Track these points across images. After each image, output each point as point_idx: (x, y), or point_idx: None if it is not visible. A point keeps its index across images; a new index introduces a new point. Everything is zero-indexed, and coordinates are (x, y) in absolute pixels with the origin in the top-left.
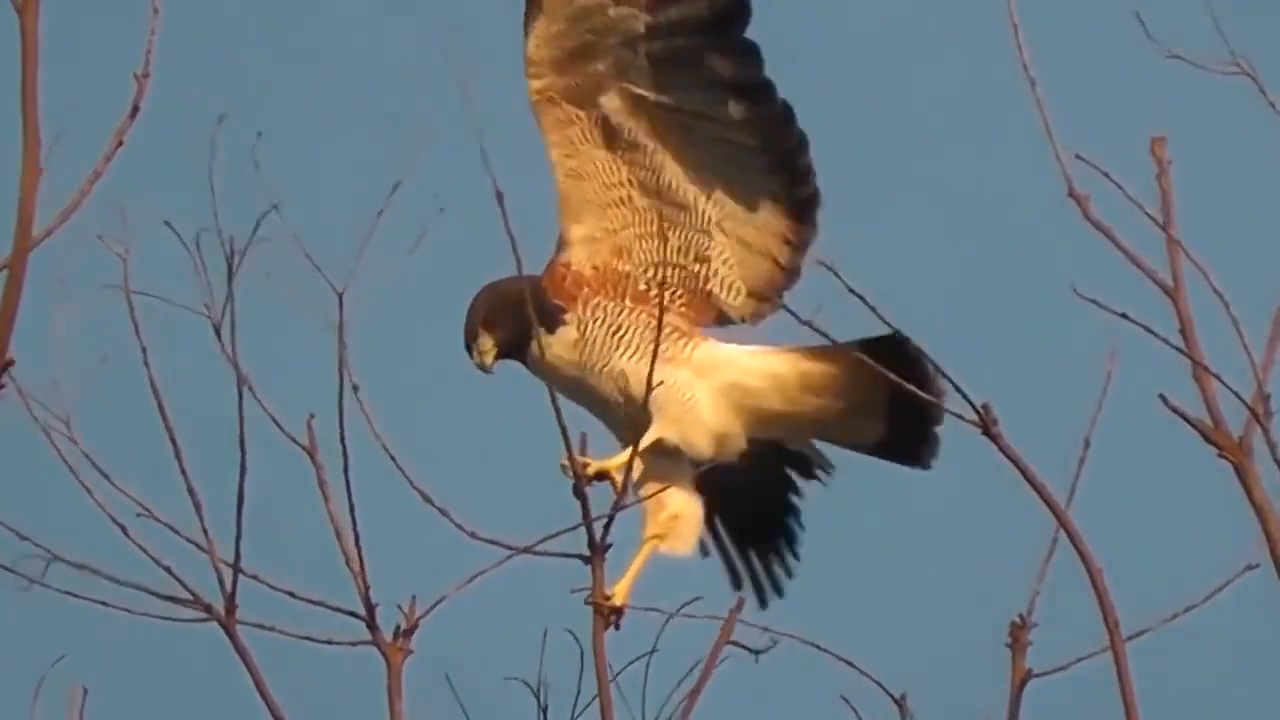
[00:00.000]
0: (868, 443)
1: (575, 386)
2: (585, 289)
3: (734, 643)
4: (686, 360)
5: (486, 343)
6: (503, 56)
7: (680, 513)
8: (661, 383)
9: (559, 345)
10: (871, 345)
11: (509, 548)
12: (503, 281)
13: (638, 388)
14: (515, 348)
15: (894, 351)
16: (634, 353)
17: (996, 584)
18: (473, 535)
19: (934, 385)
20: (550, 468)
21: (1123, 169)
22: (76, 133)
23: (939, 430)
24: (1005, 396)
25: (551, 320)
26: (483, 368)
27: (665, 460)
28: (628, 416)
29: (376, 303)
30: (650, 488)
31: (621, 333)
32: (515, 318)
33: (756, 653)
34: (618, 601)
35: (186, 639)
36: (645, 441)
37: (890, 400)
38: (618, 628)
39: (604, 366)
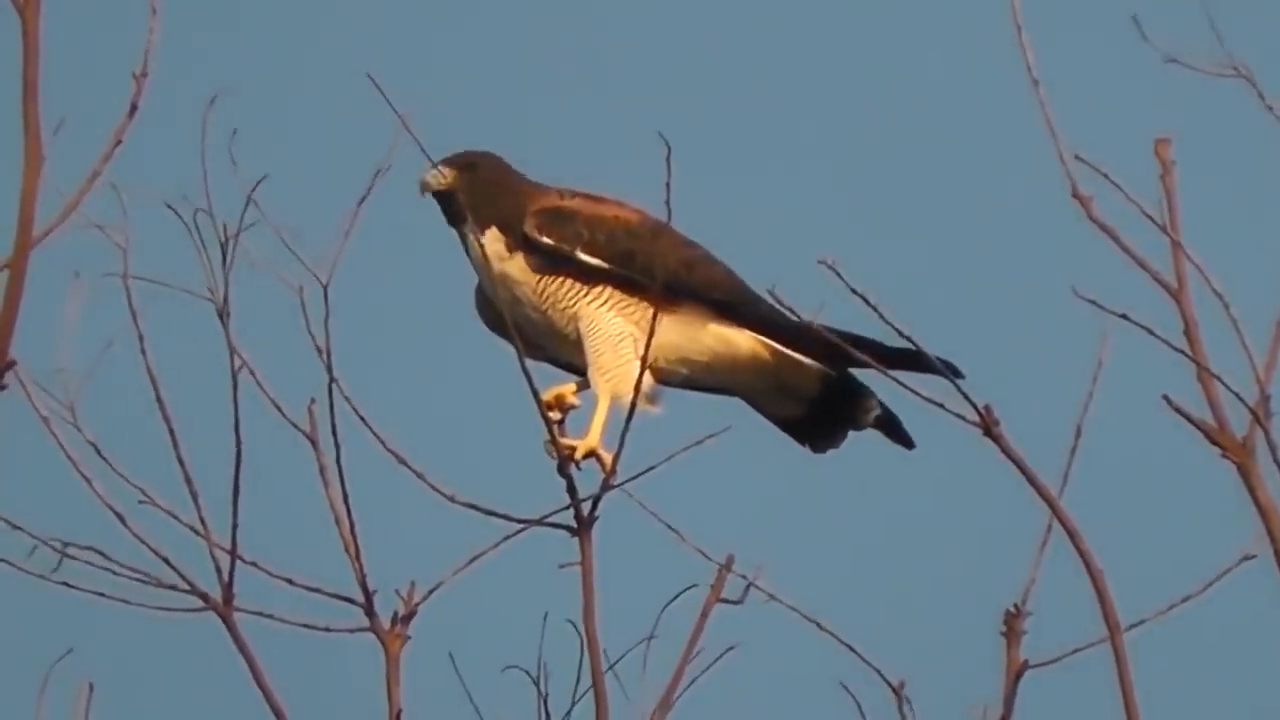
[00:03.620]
0: (776, 416)
1: (517, 302)
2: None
3: (725, 600)
4: (634, 312)
5: (449, 174)
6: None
7: (633, 366)
8: (620, 334)
9: (515, 268)
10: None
11: (490, 513)
12: (512, 175)
13: (590, 332)
14: (462, 210)
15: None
16: (599, 302)
17: (998, 573)
18: (451, 499)
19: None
20: (534, 442)
21: (1127, 171)
22: (77, 131)
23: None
24: (1007, 397)
25: (525, 243)
26: (423, 184)
27: (617, 316)
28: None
29: (361, 291)
30: (601, 340)
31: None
32: (493, 195)
33: (739, 602)
34: (582, 449)
35: (184, 627)
36: (601, 411)
37: (818, 399)
38: (579, 467)
39: (567, 308)
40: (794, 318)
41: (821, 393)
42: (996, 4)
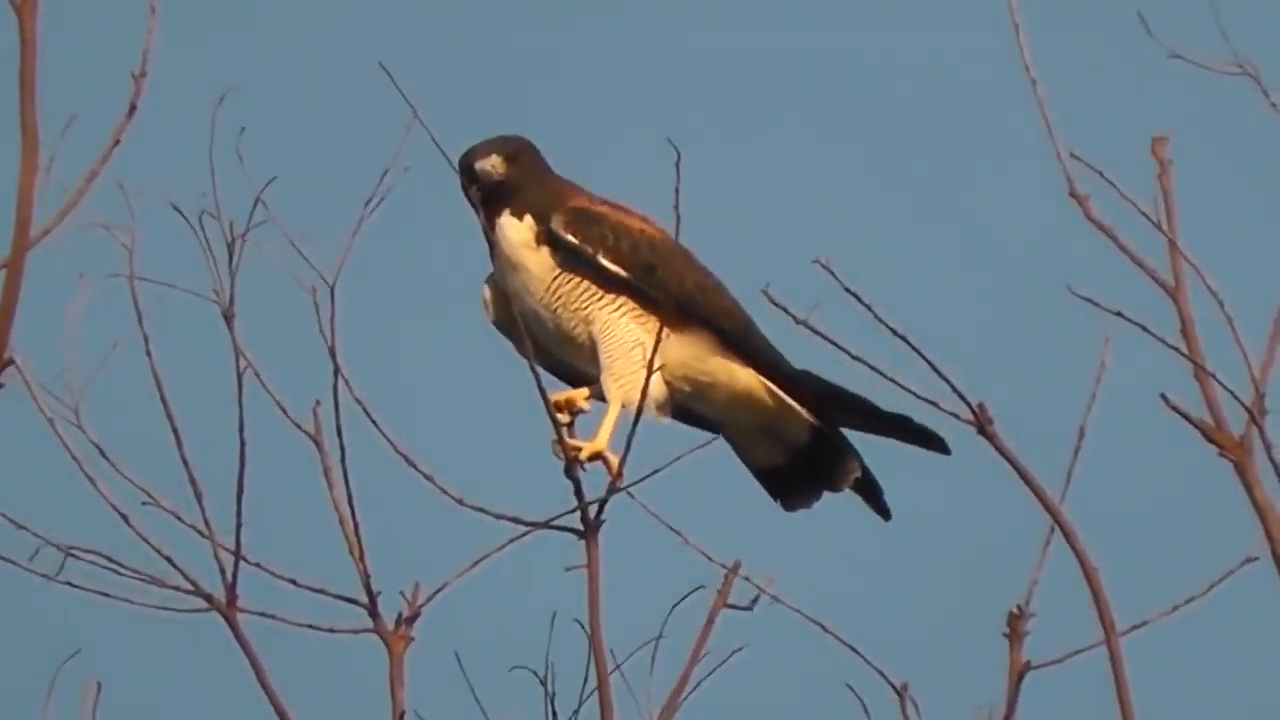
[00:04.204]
0: (758, 464)
1: (529, 296)
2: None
3: (731, 605)
4: (646, 322)
5: (500, 164)
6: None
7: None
8: (639, 343)
9: (536, 261)
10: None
11: (497, 515)
12: (547, 168)
13: (604, 337)
14: (503, 198)
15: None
16: (614, 308)
17: (1001, 574)
18: (459, 502)
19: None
20: (542, 446)
21: (1125, 169)
22: (75, 131)
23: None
24: (1005, 395)
25: (551, 238)
26: (482, 172)
27: (633, 323)
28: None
29: (368, 292)
30: (615, 345)
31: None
32: (531, 185)
33: (748, 608)
34: (588, 450)
35: (188, 628)
36: (611, 416)
37: (803, 449)
38: (584, 468)
39: (579, 309)
40: (789, 316)
41: (808, 443)
42: (995, 1)
